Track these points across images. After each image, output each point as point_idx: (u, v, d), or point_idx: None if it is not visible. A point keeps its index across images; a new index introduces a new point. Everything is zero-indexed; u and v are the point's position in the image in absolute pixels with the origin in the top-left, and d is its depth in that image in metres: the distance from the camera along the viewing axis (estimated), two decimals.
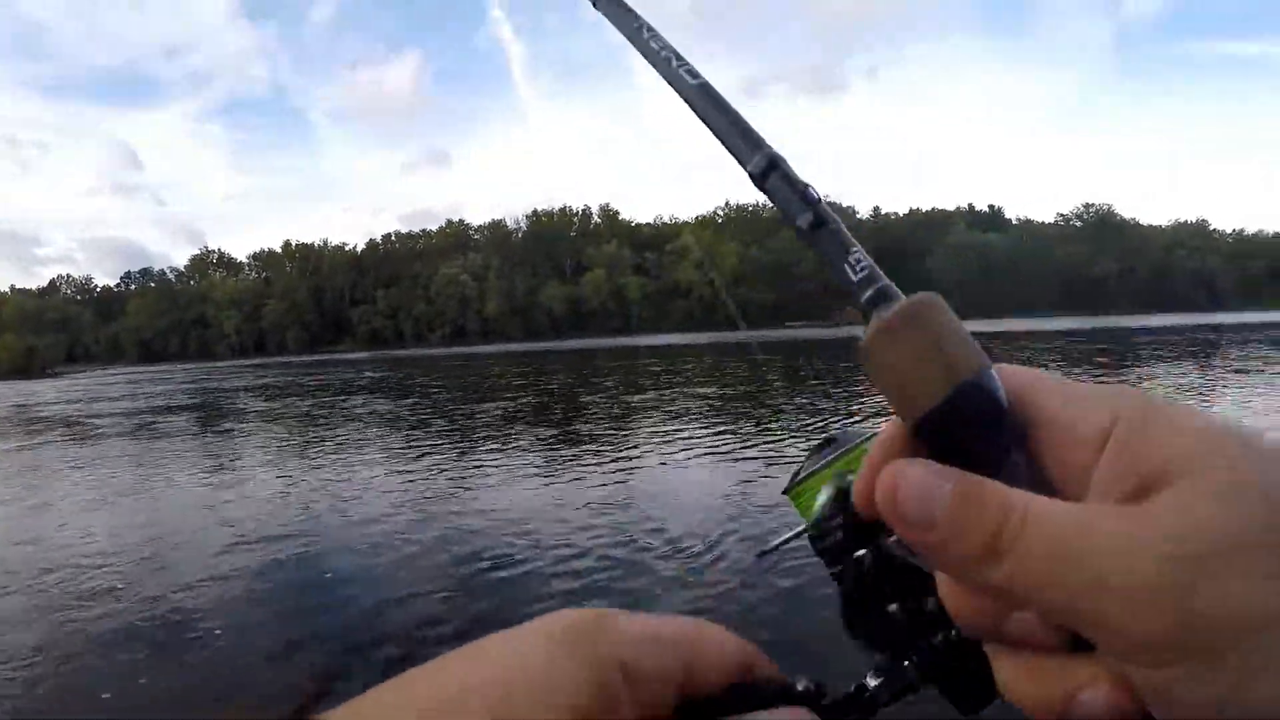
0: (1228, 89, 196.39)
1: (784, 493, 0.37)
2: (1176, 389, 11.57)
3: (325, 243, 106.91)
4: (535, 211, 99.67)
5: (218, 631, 3.79)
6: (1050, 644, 0.23)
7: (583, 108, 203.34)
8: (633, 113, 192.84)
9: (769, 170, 0.26)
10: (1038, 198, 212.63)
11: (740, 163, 0.27)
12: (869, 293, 0.24)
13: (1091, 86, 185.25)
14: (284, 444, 10.66)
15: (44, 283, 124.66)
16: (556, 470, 7.34)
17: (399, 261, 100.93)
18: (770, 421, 9.98)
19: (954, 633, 0.28)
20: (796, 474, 0.38)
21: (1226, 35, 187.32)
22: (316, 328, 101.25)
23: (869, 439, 0.33)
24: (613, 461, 7.64)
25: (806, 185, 0.26)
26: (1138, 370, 15.66)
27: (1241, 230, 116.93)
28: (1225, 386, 11.83)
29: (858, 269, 0.24)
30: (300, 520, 5.93)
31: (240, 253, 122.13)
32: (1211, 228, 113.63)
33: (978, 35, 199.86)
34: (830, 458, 0.37)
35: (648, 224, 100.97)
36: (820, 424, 9.28)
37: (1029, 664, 0.23)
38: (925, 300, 0.23)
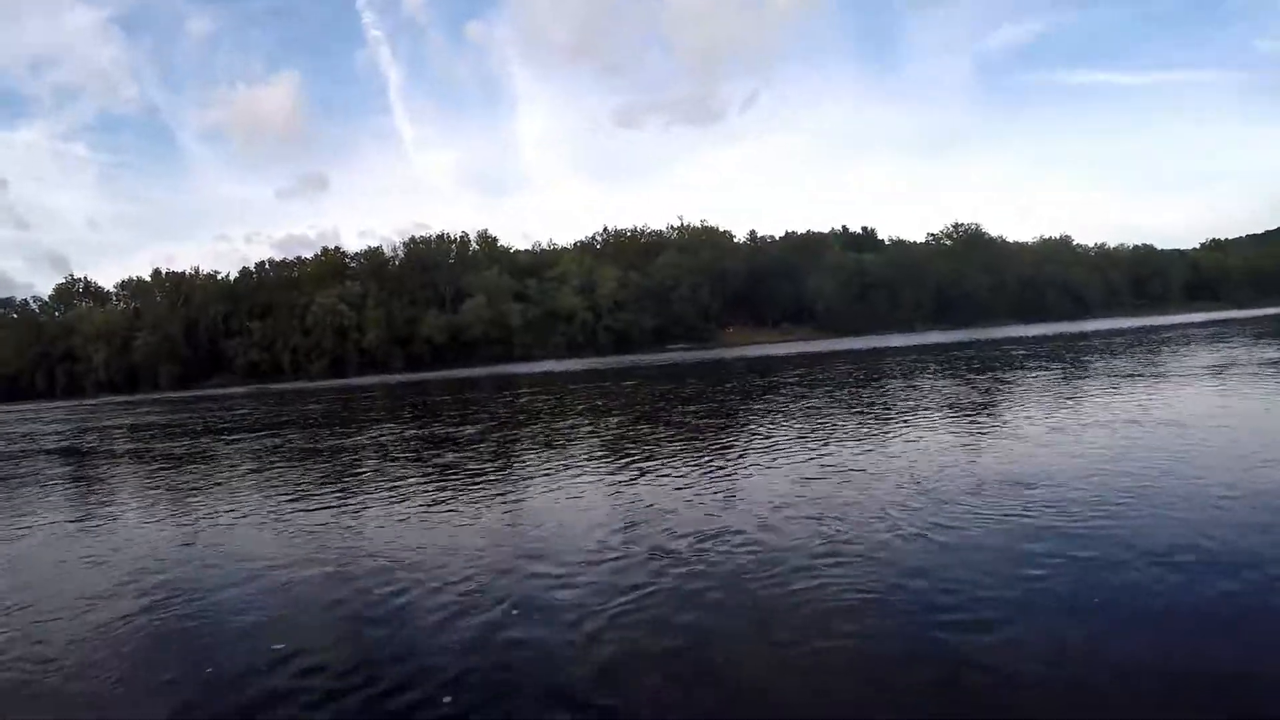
0: (1082, 115, 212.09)
1: None
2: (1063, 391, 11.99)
3: (197, 271, 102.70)
4: (413, 238, 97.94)
5: (91, 693, 3.28)
6: None
7: (461, 133, 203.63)
8: (509, 139, 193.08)
9: None
10: (908, 219, 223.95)
11: None
12: None
13: (955, 114, 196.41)
14: (160, 487, 9.74)
15: None
16: (446, 502, 6.86)
17: (274, 290, 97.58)
18: (651, 444, 9.63)
19: None
20: None
21: (1078, 66, 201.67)
22: (190, 361, 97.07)
23: None
24: (499, 491, 7.18)
25: None
26: (1021, 376, 16.04)
27: (1103, 244, 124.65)
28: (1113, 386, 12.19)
29: None
30: (179, 568, 5.30)
31: (108, 281, 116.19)
32: (1075, 242, 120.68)
33: (848, 64, 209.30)
34: None
35: (527, 250, 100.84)
36: (700, 444, 9.15)
37: None
38: None
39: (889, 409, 11.49)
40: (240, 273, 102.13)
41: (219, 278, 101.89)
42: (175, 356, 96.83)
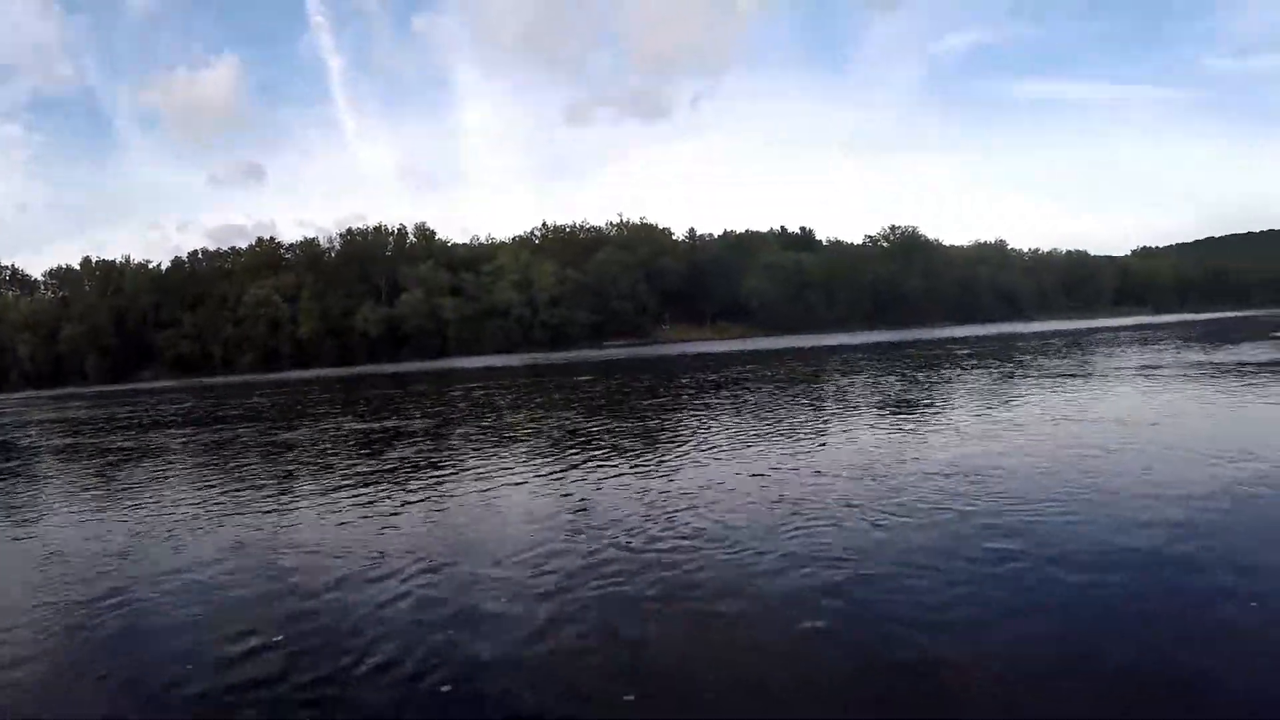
0: (1025, 124, 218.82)
1: None
2: (992, 390, 12.12)
3: (128, 260, 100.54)
4: (349, 230, 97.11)
5: (37, 693, 3.17)
6: None
7: (404, 125, 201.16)
8: (451, 133, 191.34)
9: None
10: (846, 221, 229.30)
11: None
12: None
13: (900, 118, 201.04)
14: (107, 484, 9.44)
15: None
16: (383, 502, 6.68)
17: (206, 281, 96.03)
18: (610, 440, 9.37)
19: None
20: None
21: (1026, 76, 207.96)
22: (119, 353, 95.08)
23: None
24: (437, 490, 7.00)
25: None
26: (957, 374, 16.25)
27: (1037, 249, 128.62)
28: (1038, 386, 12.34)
29: None
30: (129, 565, 5.18)
31: (36, 269, 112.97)
32: (1010, 247, 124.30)
33: (799, 65, 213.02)
34: None
35: (464, 244, 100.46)
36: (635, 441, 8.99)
37: None
38: None
39: (840, 405, 11.76)
40: (172, 262, 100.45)
41: (150, 267, 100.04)
42: (103, 348, 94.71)
